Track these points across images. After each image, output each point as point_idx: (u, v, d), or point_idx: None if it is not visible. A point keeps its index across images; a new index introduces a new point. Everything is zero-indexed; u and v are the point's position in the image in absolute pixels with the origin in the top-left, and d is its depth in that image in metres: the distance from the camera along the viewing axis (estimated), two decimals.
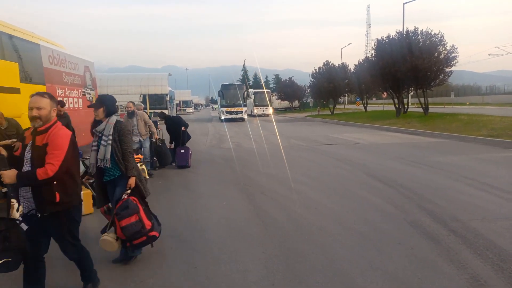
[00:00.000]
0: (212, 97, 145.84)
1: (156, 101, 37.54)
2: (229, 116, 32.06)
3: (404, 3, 29.30)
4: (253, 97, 40.39)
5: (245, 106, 33.15)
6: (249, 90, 38.19)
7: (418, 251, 4.09)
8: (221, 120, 32.49)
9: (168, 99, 38.24)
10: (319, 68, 37.82)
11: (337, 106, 39.82)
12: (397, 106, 25.36)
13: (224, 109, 32.61)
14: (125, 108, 8.92)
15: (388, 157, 10.52)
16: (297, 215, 5.50)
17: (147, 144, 8.85)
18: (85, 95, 12.75)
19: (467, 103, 46.04)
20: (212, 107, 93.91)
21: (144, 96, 36.42)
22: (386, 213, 5.50)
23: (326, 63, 37.01)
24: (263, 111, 39.99)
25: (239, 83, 36.43)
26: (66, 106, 10.81)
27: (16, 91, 7.93)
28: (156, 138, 8.90)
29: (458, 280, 3.40)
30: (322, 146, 13.46)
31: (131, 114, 8.40)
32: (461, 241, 4.29)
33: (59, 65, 10.75)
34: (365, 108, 36.38)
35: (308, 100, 50.40)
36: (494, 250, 4.00)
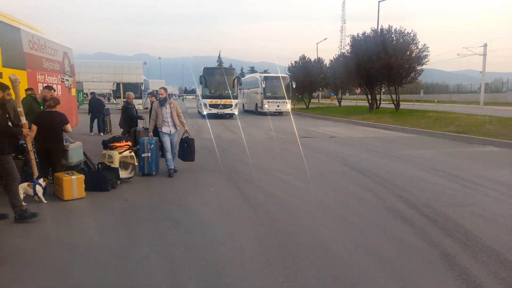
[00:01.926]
0: (185, 87, 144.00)
1: (130, 89, 36.87)
2: (214, 110, 24.27)
3: (379, 1, 30.12)
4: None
5: (235, 98, 25.07)
6: (240, 77, 28.85)
7: (395, 232, 4.53)
8: (202, 116, 25.04)
9: (143, 88, 37.74)
10: (295, 62, 38.29)
11: (312, 100, 40.45)
12: (370, 102, 26.22)
13: (207, 101, 24.27)
14: (154, 94, 8.91)
15: (363, 150, 11.07)
16: (282, 201, 5.85)
17: (175, 138, 7.83)
18: (64, 81, 12.58)
19: (436, 100, 47.99)
20: (183, 98, 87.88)
21: (118, 84, 35.75)
22: (364, 199, 5.95)
23: (303, 58, 37.52)
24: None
25: (227, 67, 27.66)
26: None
27: None
28: (186, 130, 7.85)
29: (431, 255, 3.84)
30: (300, 138, 13.89)
31: (163, 101, 7.47)
32: (432, 224, 4.77)
33: (39, 50, 10.58)
34: (339, 103, 37.26)
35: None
36: (462, 231, 4.49)
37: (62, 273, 3.44)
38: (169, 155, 7.44)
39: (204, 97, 24.78)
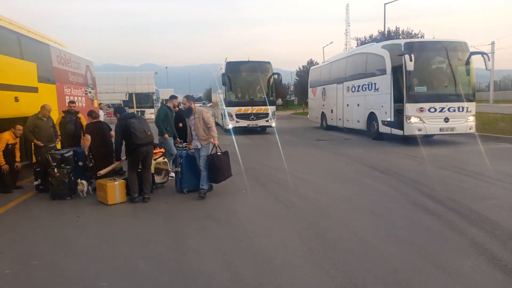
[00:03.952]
0: (192, 96, 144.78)
1: (142, 99, 37.62)
2: (243, 123, 17.39)
3: (385, 4, 30.43)
4: (224, 81, 17.54)
5: (272, 104, 17.92)
6: (279, 74, 19.25)
7: (424, 223, 4.84)
8: (224, 130, 18.42)
9: (154, 97, 38.44)
10: (303, 66, 38.76)
11: None
12: None
13: (233, 110, 17.35)
14: (178, 105, 8.96)
15: (378, 151, 11.35)
16: (311, 198, 6.19)
17: (204, 152, 6.40)
18: (87, 93, 13.10)
19: None
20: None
21: (130, 94, 36.48)
22: (388, 195, 6.27)
23: (310, 62, 38.02)
24: (254, 119, 17.75)
25: (260, 60, 18.80)
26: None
27: (35, 90, 8.30)
28: (216, 145, 6.38)
29: (461, 243, 4.15)
30: (315, 141, 14.21)
31: (188, 112, 6.49)
32: (458, 216, 5.06)
33: (65, 64, 11.11)
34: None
35: (292, 98, 51.31)
36: (486, 222, 4.78)
37: (125, 265, 3.81)
38: (202, 173, 6.37)
39: (228, 104, 17.47)
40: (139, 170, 6.32)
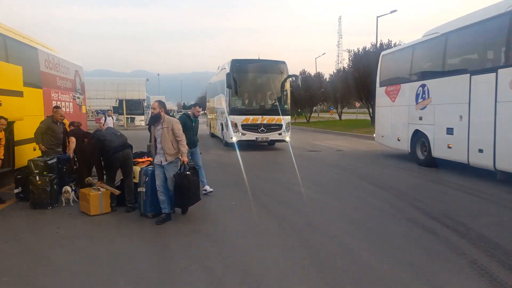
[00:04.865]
0: (184, 103, 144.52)
1: (133, 106, 37.26)
2: (251, 135, 14.22)
3: (377, 17, 30.72)
4: (229, 84, 14.29)
5: (286, 113, 14.75)
6: (297, 76, 17.17)
7: (422, 241, 4.66)
8: (225, 144, 15.75)
9: (145, 104, 38.08)
10: None
11: (312, 114, 40.79)
12: (371, 115, 26.51)
13: (239, 119, 14.20)
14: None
15: (371, 163, 11.25)
16: (304, 212, 5.99)
17: (171, 171, 5.45)
18: (75, 99, 12.80)
19: None
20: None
21: (121, 101, 36.11)
22: (384, 210, 6.09)
23: (303, 72, 38.05)
24: (265, 131, 14.47)
25: (272, 60, 15.46)
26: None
27: (20, 94, 8.00)
28: (184, 162, 5.49)
29: (460, 263, 3.97)
30: (307, 152, 14.06)
31: (154, 120, 5.55)
32: (455, 234, 4.90)
33: (53, 69, 10.81)
34: (340, 116, 37.61)
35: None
36: (485, 240, 4.62)
37: (105, 283, 3.55)
38: (161, 196, 5.45)
39: (232, 111, 14.29)
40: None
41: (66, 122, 8.26)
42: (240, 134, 14.19)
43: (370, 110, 26.49)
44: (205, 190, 7.16)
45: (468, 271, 3.77)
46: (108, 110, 20.01)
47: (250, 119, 14.24)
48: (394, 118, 11.98)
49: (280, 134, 14.47)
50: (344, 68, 30.73)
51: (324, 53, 50.56)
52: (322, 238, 4.80)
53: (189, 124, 7.03)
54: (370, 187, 7.79)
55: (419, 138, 10.58)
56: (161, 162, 5.45)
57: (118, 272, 3.81)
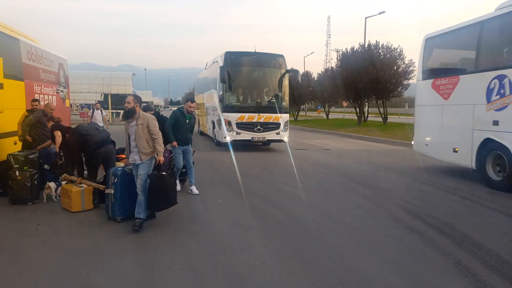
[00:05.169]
0: (171, 99, 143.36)
1: (118, 101, 36.76)
2: (246, 135, 13.25)
3: (366, 17, 30.95)
4: (223, 79, 12.97)
5: (284, 111, 13.84)
6: (297, 71, 15.07)
7: (406, 241, 4.67)
8: (216, 143, 14.86)
9: None
10: None
11: (299, 112, 40.92)
12: (358, 115, 26.73)
13: (233, 117, 13.21)
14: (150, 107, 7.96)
15: (357, 162, 11.30)
16: (290, 211, 5.96)
17: (144, 169, 5.04)
18: (59, 92, 12.51)
19: None
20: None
21: (106, 95, 35.60)
22: (369, 210, 6.10)
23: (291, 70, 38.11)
24: (261, 130, 13.40)
25: (270, 53, 14.44)
26: (42, 103, 10.69)
27: (0, 86, 7.77)
28: (160, 162, 5.06)
29: (445, 263, 3.98)
30: (295, 150, 14.04)
31: (128, 114, 5.11)
32: (440, 234, 4.93)
33: (36, 61, 10.52)
34: (327, 115, 37.81)
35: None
36: (469, 241, 4.66)
37: (85, 283, 3.45)
38: (139, 197, 5.02)
39: (226, 109, 13.27)
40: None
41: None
42: (235, 133, 13.20)
43: (357, 109, 26.70)
44: (191, 190, 7.02)
45: (453, 271, 3.79)
46: (97, 103, 19.54)
47: (246, 117, 13.21)
48: (448, 121, 8.95)
49: (278, 133, 13.56)
50: (332, 67, 30.84)
51: (313, 52, 50.76)
52: (308, 237, 4.78)
53: (181, 120, 6.81)
54: (356, 187, 7.82)
55: (491, 150, 7.71)
56: (135, 161, 5.08)
57: (100, 271, 3.70)
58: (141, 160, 5.02)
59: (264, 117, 13.30)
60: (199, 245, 4.44)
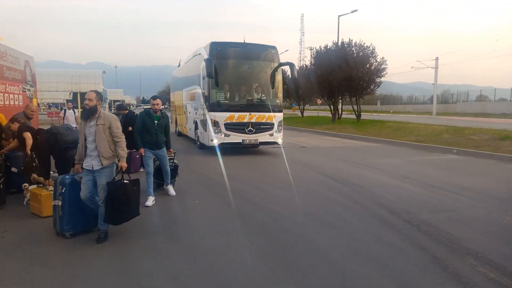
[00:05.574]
0: (143, 97, 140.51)
1: (100, 98, 35.64)
2: (237, 137, 11.82)
3: (339, 16, 31.35)
4: (208, 72, 11.02)
5: (278, 110, 12.49)
6: (293, 64, 12.55)
7: (385, 237, 4.71)
8: (199, 146, 13.36)
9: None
10: None
11: None
12: (332, 112, 27.05)
13: (221, 116, 11.69)
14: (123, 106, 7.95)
15: (334, 159, 11.40)
16: (269, 210, 5.91)
17: (105, 177, 4.50)
18: (25, 91, 11.98)
19: (391, 111, 50.30)
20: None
21: (75, 93, 34.49)
22: (348, 207, 6.14)
23: None
24: (253, 130, 11.92)
25: (260, 44, 12.85)
26: (7, 102, 10.23)
27: None
28: (122, 168, 4.52)
29: (423, 259, 4.04)
30: (272, 148, 14.03)
31: (88, 114, 4.51)
32: (416, 229, 5.01)
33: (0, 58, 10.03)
34: (302, 113, 38.07)
35: None
36: (444, 235, 4.75)
37: None
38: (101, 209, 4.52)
39: (213, 107, 11.72)
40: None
41: (2, 116, 7.75)
42: (223, 135, 11.64)
43: (332, 107, 27.01)
44: (167, 190, 6.85)
45: (432, 266, 3.84)
46: (68, 102, 18.70)
47: (236, 116, 11.70)
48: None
49: (271, 135, 12.16)
50: (306, 65, 31.08)
51: (287, 50, 50.93)
52: (288, 236, 4.74)
53: (148, 122, 6.30)
54: (333, 183, 7.86)
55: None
56: (93, 167, 4.48)
57: (74, 279, 3.53)
58: (101, 165, 4.46)
59: (256, 116, 11.87)
60: (177, 249, 4.31)
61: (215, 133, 11.60)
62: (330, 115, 28.17)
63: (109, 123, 4.51)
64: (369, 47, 23.76)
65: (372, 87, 24.56)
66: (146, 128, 6.32)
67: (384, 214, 5.71)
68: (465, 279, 3.55)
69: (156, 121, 6.37)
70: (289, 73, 12.84)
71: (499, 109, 38.76)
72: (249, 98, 12.30)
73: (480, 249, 4.28)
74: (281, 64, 12.60)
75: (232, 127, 11.72)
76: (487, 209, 5.98)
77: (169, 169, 6.77)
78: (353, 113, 26.39)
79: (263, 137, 12.07)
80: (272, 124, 12.12)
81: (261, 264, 3.88)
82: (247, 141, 11.93)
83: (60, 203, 4.62)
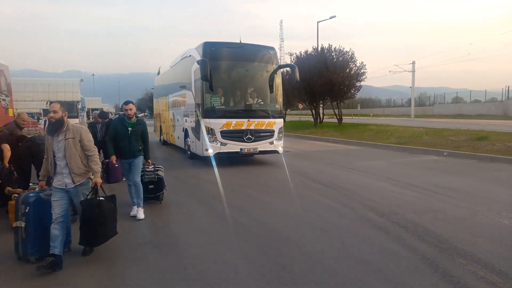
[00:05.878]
0: (122, 105, 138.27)
1: (66, 108, 34.89)
2: (234, 146, 10.69)
3: (318, 22, 31.75)
4: (203, 75, 10.01)
5: (278, 115, 11.45)
6: (294, 66, 11.88)
7: (374, 239, 4.73)
8: (190, 156, 12.44)
9: (79, 106, 35.83)
10: None
11: None
12: (314, 116, 27.27)
13: (217, 123, 10.56)
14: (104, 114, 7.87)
15: (318, 163, 11.46)
16: (256, 215, 5.86)
17: (78, 196, 4.20)
18: (1, 101, 11.63)
19: (371, 114, 51.20)
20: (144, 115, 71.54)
21: (52, 103, 33.64)
22: (335, 210, 6.15)
23: None
24: (252, 139, 10.81)
25: (257, 44, 11.81)
26: None
27: None
28: (97, 184, 4.22)
29: (414, 260, 4.06)
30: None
31: (55, 127, 4.15)
32: (404, 230, 5.05)
33: None
34: (284, 118, 38.33)
35: None
36: (433, 236, 4.81)
37: None
38: (55, 230, 4.01)
39: (207, 113, 10.70)
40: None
41: None
42: (219, 144, 10.54)
43: (313, 111, 27.24)
44: (136, 212, 5.87)
45: (423, 267, 3.87)
46: (49, 112, 18.24)
47: (233, 123, 10.61)
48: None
49: (271, 143, 11.14)
50: (287, 70, 31.26)
51: None
52: (278, 242, 4.70)
53: (121, 129, 5.85)
54: (319, 187, 7.88)
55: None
56: (66, 186, 4.10)
57: None
58: (74, 183, 4.09)
59: (255, 123, 10.81)
60: (166, 258, 4.21)
61: (210, 141, 10.52)
62: (312, 119, 28.39)
63: (80, 135, 4.17)
64: (349, 52, 24.16)
65: (352, 91, 24.92)
66: (119, 136, 5.88)
67: (372, 216, 5.73)
68: (456, 279, 3.58)
69: (129, 128, 5.88)
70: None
71: (475, 110, 39.97)
72: (247, 103, 11.26)
73: (468, 248, 4.34)
74: (281, 66, 11.88)
75: (229, 135, 10.65)
76: (471, 208, 6.10)
77: (140, 184, 6.00)
78: (335, 117, 26.68)
79: (262, 145, 11.03)
80: (273, 131, 11.15)
81: (253, 271, 3.82)
82: (246, 150, 10.81)
83: (23, 224, 4.11)
